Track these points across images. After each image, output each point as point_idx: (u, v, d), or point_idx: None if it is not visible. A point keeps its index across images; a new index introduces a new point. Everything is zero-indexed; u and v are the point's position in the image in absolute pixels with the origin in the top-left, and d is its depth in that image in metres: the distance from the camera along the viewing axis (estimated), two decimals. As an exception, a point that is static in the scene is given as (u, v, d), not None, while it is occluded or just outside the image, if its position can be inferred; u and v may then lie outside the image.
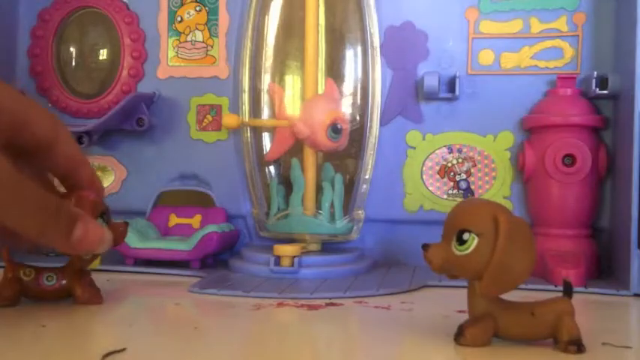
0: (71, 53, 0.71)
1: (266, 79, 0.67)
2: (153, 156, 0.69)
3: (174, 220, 0.67)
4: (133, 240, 0.61)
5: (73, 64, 0.71)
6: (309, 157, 0.62)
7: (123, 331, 0.38)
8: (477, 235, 0.34)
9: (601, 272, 0.60)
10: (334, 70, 0.67)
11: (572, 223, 0.60)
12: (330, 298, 0.49)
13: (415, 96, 0.66)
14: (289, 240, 0.62)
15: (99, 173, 0.69)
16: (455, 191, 0.65)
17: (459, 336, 0.35)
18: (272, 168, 0.68)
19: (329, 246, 0.64)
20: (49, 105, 0.71)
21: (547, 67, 0.64)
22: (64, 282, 0.44)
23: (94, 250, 0.36)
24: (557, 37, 0.64)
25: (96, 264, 0.45)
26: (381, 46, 0.66)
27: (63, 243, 0.35)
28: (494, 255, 0.33)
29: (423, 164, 0.66)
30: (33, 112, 0.37)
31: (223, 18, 0.68)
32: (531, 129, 0.62)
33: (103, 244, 0.37)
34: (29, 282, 0.44)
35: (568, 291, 0.36)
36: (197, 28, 0.68)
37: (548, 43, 0.64)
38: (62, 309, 0.43)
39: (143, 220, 0.65)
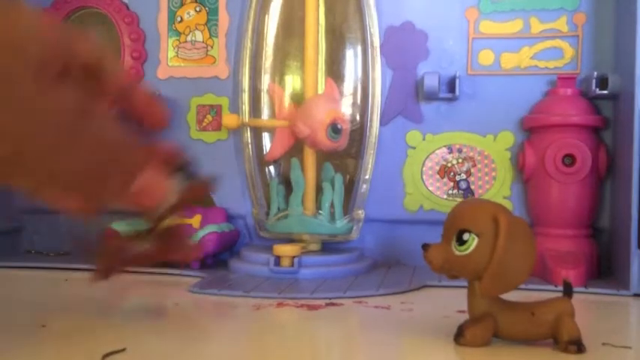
0: (71, 53, 0.71)
1: (266, 79, 0.67)
2: (153, 156, 0.69)
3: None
4: (133, 240, 0.61)
5: (73, 64, 0.71)
6: (309, 157, 0.62)
7: (123, 331, 0.38)
8: (477, 235, 0.34)
9: (601, 272, 0.60)
10: (334, 70, 0.67)
11: (572, 223, 0.60)
12: (330, 298, 0.49)
13: (415, 96, 0.66)
14: (289, 240, 0.62)
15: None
16: (455, 191, 0.65)
17: (459, 336, 0.35)
18: (272, 168, 0.68)
19: (329, 246, 0.64)
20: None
21: (547, 67, 0.64)
22: (159, 243, 0.40)
23: (153, 207, 0.33)
24: (557, 37, 0.64)
25: (169, 224, 0.39)
26: (381, 46, 0.66)
27: (122, 196, 0.32)
28: (494, 255, 0.33)
29: (423, 164, 0.66)
30: (72, 34, 0.32)
31: (223, 18, 0.68)
32: (531, 129, 0.62)
33: (167, 198, 0.33)
34: (121, 251, 0.40)
35: (568, 291, 0.36)
36: (197, 29, 0.68)
37: (548, 43, 0.64)
38: (62, 309, 0.43)
39: (143, 220, 0.65)
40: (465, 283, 0.36)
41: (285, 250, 0.57)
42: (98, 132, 0.30)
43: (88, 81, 0.32)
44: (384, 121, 0.66)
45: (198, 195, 0.39)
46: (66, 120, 0.29)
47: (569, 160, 0.59)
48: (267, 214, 0.65)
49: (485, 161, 0.65)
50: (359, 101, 0.67)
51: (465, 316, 0.36)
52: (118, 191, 0.31)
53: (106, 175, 0.30)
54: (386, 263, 0.65)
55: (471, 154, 0.65)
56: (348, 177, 0.66)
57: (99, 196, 0.31)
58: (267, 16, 0.67)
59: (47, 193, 0.31)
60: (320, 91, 0.64)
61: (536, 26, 0.64)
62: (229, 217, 0.66)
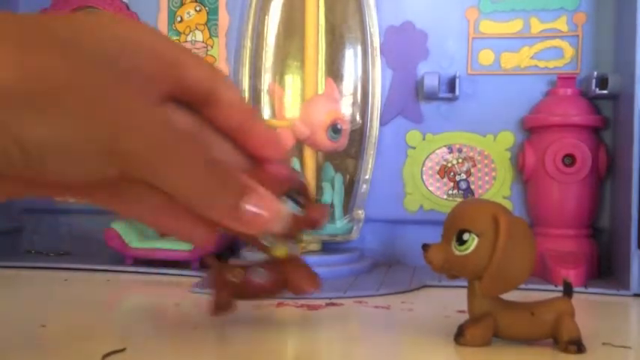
0: (71, 53, 0.71)
1: (266, 79, 0.67)
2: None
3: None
4: (132, 240, 0.61)
5: (73, 64, 0.71)
6: (309, 157, 0.62)
7: (123, 331, 0.38)
8: (477, 236, 0.34)
9: (601, 272, 0.60)
10: (334, 70, 0.67)
11: (572, 223, 0.60)
12: (330, 298, 0.49)
13: (415, 96, 0.66)
14: (289, 240, 0.62)
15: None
16: (455, 191, 0.65)
17: (459, 336, 0.35)
18: (272, 168, 0.68)
19: (329, 246, 0.64)
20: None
21: (547, 67, 0.64)
22: (275, 274, 0.38)
23: (266, 229, 0.31)
24: (557, 37, 0.64)
25: (282, 252, 0.38)
26: (381, 46, 0.66)
27: (231, 217, 0.30)
28: (494, 255, 0.33)
29: (423, 164, 0.66)
30: (186, 56, 0.31)
31: (223, 18, 0.68)
32: (531, 129, 0.62)
33: (278, 222, 0.31)
34: (239, 283, 0.38)
35: (568, 291, 0.36)
36: (197, 28, 0.68)
37: (548, 43, 0.64)
38: (62, 309, 0.43)
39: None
40: (465, 283, 0.36)
41: (285, 250, 0.57)
42: (205, 154, 0.29)
43: (201, 107, 0.32)
44: (384, 121, 0.66)
45: (314, 222, 0.36)
46: (173, 138, 0.28)
47: (569, 160, 0.59)
48: (267, 214, 0.65)
49: (485, 161, 0.65)
50: (359, 101, 0.67)
51: (465, 316, 0.36)
52: (226, 214, 0.30)
53: (213, 197, 0.30)
54: (386, 263, 0.65)
55: (471, 154, 0.65)
56: (348, 177, 0.66)
57: (207, 219, 0.31)
58: (267, 16, 0.68)
59: (155, 218, 0.32)
60: (320, 91, 0.64)
61: (536, 26, 0.64)
62: (229, 217, 0.66)
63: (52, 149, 0.25)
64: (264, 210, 0.30)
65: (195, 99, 0.31)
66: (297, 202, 0.36)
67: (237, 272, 0.38)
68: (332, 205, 0.62)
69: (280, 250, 0.37)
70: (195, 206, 0.29)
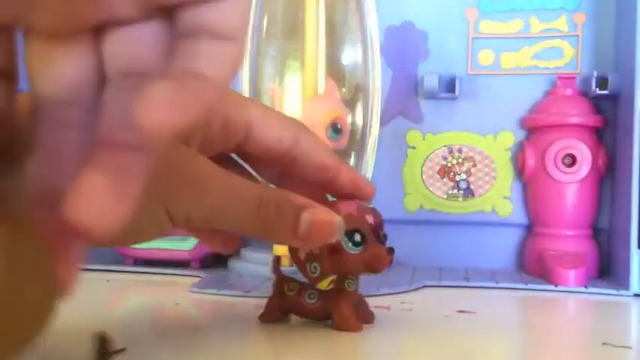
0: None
1: (266, 79, 0.67)
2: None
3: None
4: (133, 240, 0.61)
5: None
6: (309, 157, 0.62)
7: (123, 331, 0.38)
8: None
9: (601, 272, 0.60)
10: (334, 70, 0.67)
11: (572, 223, 0.60)
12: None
13: (415, 96, 0.66)
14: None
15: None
16: (455, 191, 0.65)
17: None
18: (272, 168, 0.68)
19: (329, 246, 0.64)
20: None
21: (547, 67, 0.64)
22: (324, 302, 0.38)
23: (325, 241, 0.32)
24: (557, 37, 0.64)
25: (325, 284, 0.38)
26: (381, 46, 0.66)
27: (291, 238, 0.32)
28: None
29: (423, 164, 0.66)
30: (257, 113, 0.32)
31: (223, 18, 0.68)
32: (531, 129, 0.62)
33: (334, 234, 0.32)
34: (292, 297, 0.39)
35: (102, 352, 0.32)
36: (197, 28, 0.68)
37: (548, 43, 0.64)
38: (62, 309, 0.43)
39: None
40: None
41: (285, 250, 0.57)
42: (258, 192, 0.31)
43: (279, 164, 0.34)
44: (384, 121, 0.66)
45: (369, 266, 0.36)
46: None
47: (569, 160, 0.59)
48: (267, 214, 0.65)
49: (486, 161, 0.65)
50: (359, 101, 0.67)
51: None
52: (287, 239, 0.32)
53: (272, 231, 0.31)
54: (386, 263, 0.65)
55: (471, 154, 0.65)
56: (348, 177, 0.66)
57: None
58: (267, 16, 0.67)
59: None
60: (320, 91, 0.64)
61: (536, 26, 0.64)
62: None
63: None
64: (318, 225, 0.31)
65: (269, 156, 0.33)
66: (354, 242, 0.35)
67: (293, 286, 0.39)
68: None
69: (323, 283, 0.37)
70: (258, 236, 0.32)
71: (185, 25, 0.21)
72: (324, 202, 0.35)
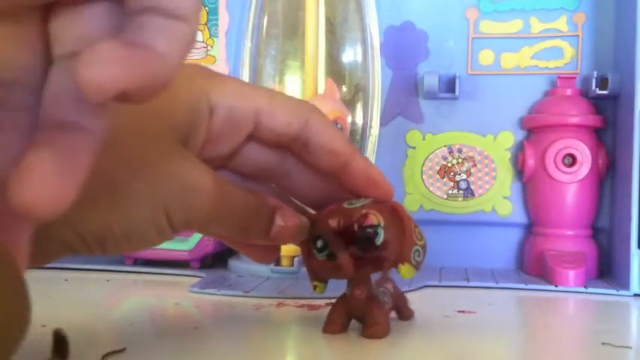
0: (71, 53, 0.71)
1: (266, 79, 0.67)
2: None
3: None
4: (132, 240, 0.61)
5: (73, 64, 0.71)
6: (309, 157, 0.62)
7: (123, 331, 0.38)
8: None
9: (601, 272, 0.60)
10: (334, 70, 0.67)
11: (572, 223, 0.60)
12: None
13: (415, 96, 0.66)
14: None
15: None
16: (455, 191, 0.65)
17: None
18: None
19: (329, 246, 0.64)
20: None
21: (547, 67, 0.64)
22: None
23: (291, 242, 0.34)
24: (557, 37, 0.64)
25: (319, 290, 0.37)
26: (381, 46, 0.66)
27: (263, 238, 0.33)
28: None
29: (423, 164, 0.66)
30: (264, 100, 0.32)
31: (223, 18, 0.68)
32: (531, 129, 0.62)
33: (301, 233, 0.33)
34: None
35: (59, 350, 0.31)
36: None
37: (548, 43, 0.64)
38: (62, 309, 0.43)
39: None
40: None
41: (285, 249, 0.57)
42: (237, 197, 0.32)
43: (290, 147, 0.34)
44: (384, 121, 0.66)
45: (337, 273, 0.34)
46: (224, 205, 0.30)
47: (569, 160, 0.59)
48: (267, 214, 0.65)
49: (486, 161, 0.65)
50: (359, 101, 0.67)
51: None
52: (262, 239, 0.33)
53: (249, 233, 0.33)
54: (386, 263, 0.65)
55: (471, 154, 0.65)
56: (348, 177, 0.66)
57: None
58: (267, 16, 0.67)
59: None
60: (320, 91, 0.64)
61: (536, 26, 0.64)
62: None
63: (111, 238, 0.27)
64: (288, 226, 0.32)
65: (281, 141, 0.33)
66: (317, 248, 0.34)
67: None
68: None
69: (318, 289, 0.37)
70: (234, 238, 0.34)
71: (136, 5, 0.20)
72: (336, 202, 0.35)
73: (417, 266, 0.35)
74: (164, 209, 0.28)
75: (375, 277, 0.37)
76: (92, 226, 0.27)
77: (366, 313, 0.36)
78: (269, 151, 0.34)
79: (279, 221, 0.32)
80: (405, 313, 0.39)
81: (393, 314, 0.38)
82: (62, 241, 0.27)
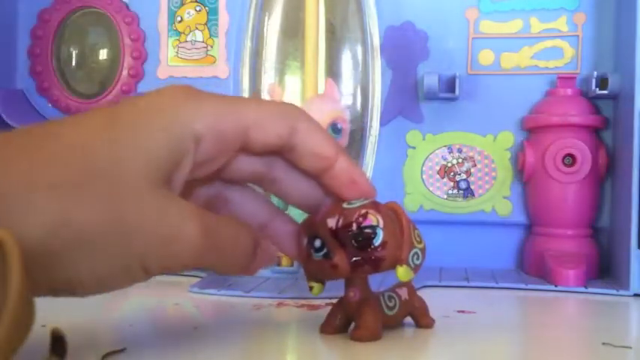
0: (71, 53, 0.71)
1: (266, 79, 0.67)
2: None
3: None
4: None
5: (73, 64, 0.71)
6: (309, 157, 0.62)
7: (123, 331, 0.38)
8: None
9: (601, 272, 0.60)
10: (334, 70, 0.67)
11: (572, 223, 0.60)
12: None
13: (415, 96, 0.66)
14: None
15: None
16: (455, 191, 0.65)
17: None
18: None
19: (329, 246, 0.64)
20: (49, 105, 0.71)
21: (547, 67, 0.64)
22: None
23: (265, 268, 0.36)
24: (557, 37, 0.64)
25: (316, 291, 0.37)
26: (381, 46, 0.66)
27: (242, 273, 0.34)
28: None
29: (423, 164, 0.66)
30: (251, 115, 0.32)
31: (223, 18, 0.68)
32: (531, 129, 0.62)
33: (273, 262, 0.36)
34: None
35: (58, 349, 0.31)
36: (197, 28, 0.68)
37: (548, 43, 0.64)
38: (62, 309, 0.43)
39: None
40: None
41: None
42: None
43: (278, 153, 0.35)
44: (384, 121, 0.66)
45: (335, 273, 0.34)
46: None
47: (569, 160, 0.59)
48: (267, 214, 0.65)
49: (486, 161, 0.65)
50: (359, 101, 0.67)
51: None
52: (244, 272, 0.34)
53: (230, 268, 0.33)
54: (386, 263, 0.65)
55: (471, 154, 0.65)
56: (348, 177, 0.66)
57: None
58: (267, 16, 0.67)
59: None
60: (320, 91, 0.64)
61: (536, 26, 0.64)
62: (229, 217, 0.66)
63: (87, 285, 0.28)
64: (265, 258, 0.34)
65: (269, 150, 0.33)
66: (314, 248, 0.34)
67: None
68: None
69: (315, 290, 0.37)
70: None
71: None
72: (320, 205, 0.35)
73: (415, 269, 0.34)
74: (139, 259, 0.28)
75: (393, 283, 0.37)
76: (61, 274, 0.27)
77: (356, 315, 0.36)
78: (257, 159, 0.34)
79: (260, 258, 0.33)
80: (421, 321, 0.38)
81: (408, 320, 0.38)
82: (37, 284, 0.26)
